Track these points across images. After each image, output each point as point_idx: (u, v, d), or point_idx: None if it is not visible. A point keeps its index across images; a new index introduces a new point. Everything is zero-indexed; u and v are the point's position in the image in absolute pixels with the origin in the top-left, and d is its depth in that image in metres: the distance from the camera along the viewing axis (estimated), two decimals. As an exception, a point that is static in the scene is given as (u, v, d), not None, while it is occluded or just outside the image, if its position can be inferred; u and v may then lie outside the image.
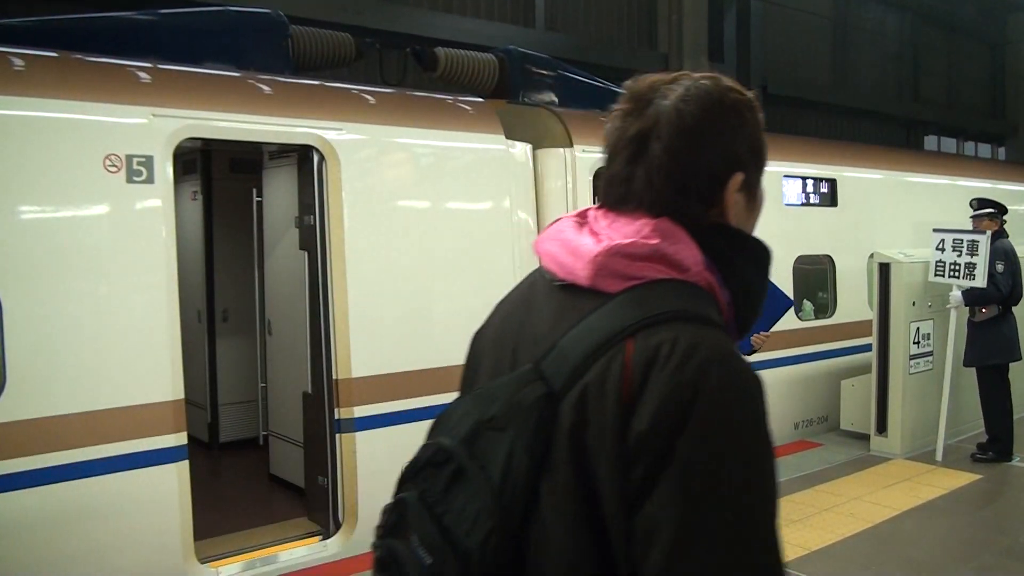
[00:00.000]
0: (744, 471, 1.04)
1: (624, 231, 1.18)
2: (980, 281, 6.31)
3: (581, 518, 1.07)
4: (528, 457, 1.09)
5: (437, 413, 1.23)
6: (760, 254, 1.26)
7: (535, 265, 1.35)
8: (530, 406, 1.11)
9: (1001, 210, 6.88)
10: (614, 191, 1.23)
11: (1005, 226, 6.91)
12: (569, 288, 1.20)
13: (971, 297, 6.52)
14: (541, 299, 1.25)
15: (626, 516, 1.04)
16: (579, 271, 1.17)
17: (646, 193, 1.20)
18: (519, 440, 1.10)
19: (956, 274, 6.49)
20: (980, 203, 6.92)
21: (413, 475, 1.20)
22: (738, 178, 1.22)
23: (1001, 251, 6.52)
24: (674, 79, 1.24)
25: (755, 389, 1.08)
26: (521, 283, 1.36)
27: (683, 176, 1.19)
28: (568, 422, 1.09)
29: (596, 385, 1.08)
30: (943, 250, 6.58)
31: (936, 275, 6.64)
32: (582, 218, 1.27)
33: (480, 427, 1.14)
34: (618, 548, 1.05)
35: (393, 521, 1.19)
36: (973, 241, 6.39)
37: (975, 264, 6.34)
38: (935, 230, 6.70)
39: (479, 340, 1.38)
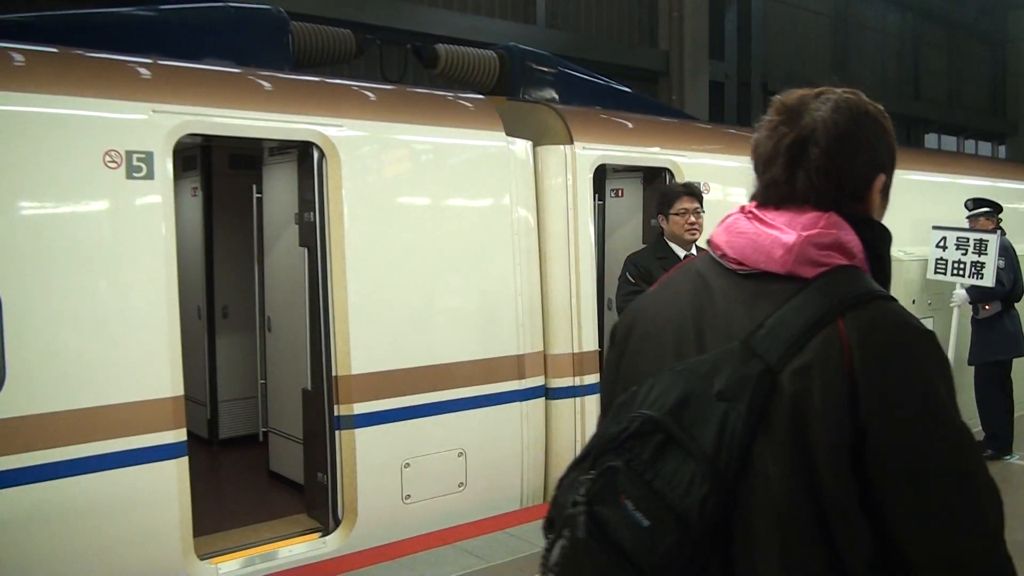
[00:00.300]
0: (959, 420, 1.26)
1: (803, 222, 1.35)
2: (989, 280, 6.30)
3: (798, 472, 1.22)
4: (744, 424, 1.23)
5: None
6: (890, 245, 1.46)
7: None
8: (752, 379, 1.25)
9: (996, 209, 6.90)
10: (776, 191, 1.40)
11: (1002, 224, 6.93)
12: (756, 276, 1.37)
13: (977, 294, 6.53)
14: (722, 286, 1.40)
15: (849, 467, 1.21)
16: (776, 259, 1.34)
17: (810, 192, 1.37)
18: (734, 409, 1.24)
19: (960, 272, 6.48)
20: (976, 203, 6.94)
21: (616, 446, 1.28)
22: (881, 179, 1.43)
23: (1001, 248, 6.54)
24: (819, 93, 1.41)
25: (941, 348, 1.31)
26: (678, 275, 1.51)
27: (840, 176, 1.37)
28: (790, 392, 1.24)
29: (819, 359, 1.24)
30: (944, 248, 6.57)
31: (936, 272, 6.63)
32: (748, 214, 1.43)
33: (690, 399, 1.27)
34: (835, 494, 1.21)
35: (598, 489, 1.27)
36: (981, 240, 6.38)
37: (983, 263, 6.33)
38: (934, 227, 6.69)
39: (636, 329, 1.51)
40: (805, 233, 1.33)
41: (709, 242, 1.48)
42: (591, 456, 1.31)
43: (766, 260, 1.35)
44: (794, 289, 1.31)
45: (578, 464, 1.34)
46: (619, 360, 1.52)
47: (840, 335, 1.25)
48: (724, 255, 1.42)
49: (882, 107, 1.46)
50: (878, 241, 1.42)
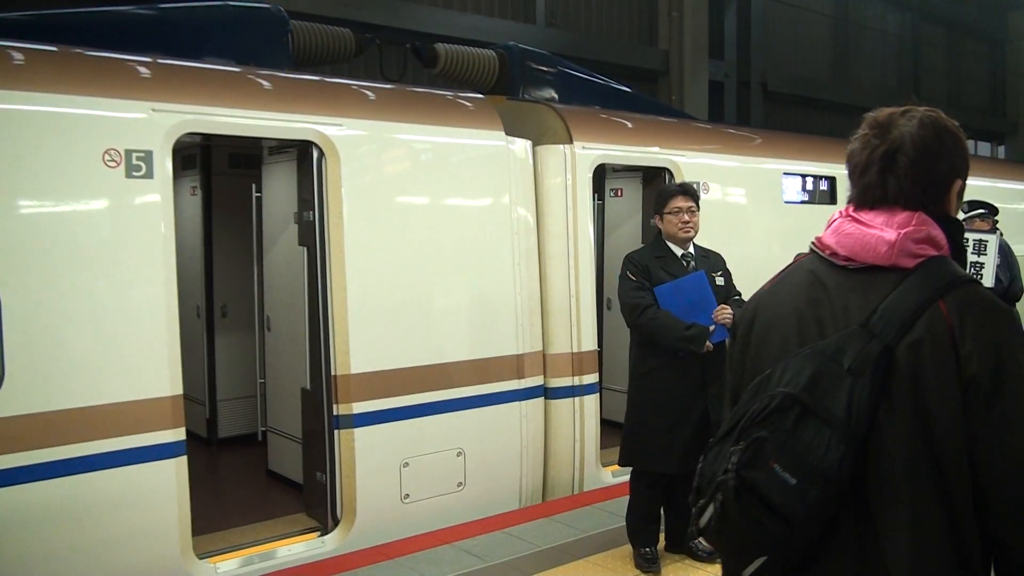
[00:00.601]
0: None
1: (898, 221, 1.60)
2: (988, 280, 6.33)
3: (917, 428, 1.49)
4: (868, 394, 1.49)
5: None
6: (963, 236, 1.71)
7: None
8: (875, 355, 1.51)
9: (992, 210, 6.93)
10: (871, 194, 1.66)
11: (998, 225, 6.96)
12: (864, 269, 1.62)
13: None
14: (835, 280, 1.66)
15: (958, 423, 1.47)
16: (881, 254, 1.60)
17: (900, 195, 1.63)
18: (859, 382, 1.49)
19: None
20: (971, 205, 6.97)
21: (759, 420, 1.52)
22: (958, 183, 1.67)
23: (998, 247, 6.58)
24: (905, 111, 1.66)
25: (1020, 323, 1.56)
26: (790, 273, 1.76)
27: (925, 181, 1.63)
28: (905, 363, 1.50)
29: (928, 335, 1.50)
30: (945, 248, 6.59)
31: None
32: (848, 218, 1.68)
33: (820, 377, 1.51)
34: (947, 445, 1.47)
35: (748, 457, 1.50)
36: (981, 241, 6.40)
37: (983, 263, 6.36)
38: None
39: (758, 323, 1.75)
40: (903, 231, 1.59)
41: (817, 243, 1.73)
42: (736, 430, 1.54)
43: (873, 255, 1.61)
44: (898, 278, 1.58)
45: (722, 439, 1.57)
46: (744, 351, 1.77)
47: (943, 313, 1.51)
48: (834, 253, 1.67)
49: (957, 123, 1.69)
50: (956, 234, 1.67)
